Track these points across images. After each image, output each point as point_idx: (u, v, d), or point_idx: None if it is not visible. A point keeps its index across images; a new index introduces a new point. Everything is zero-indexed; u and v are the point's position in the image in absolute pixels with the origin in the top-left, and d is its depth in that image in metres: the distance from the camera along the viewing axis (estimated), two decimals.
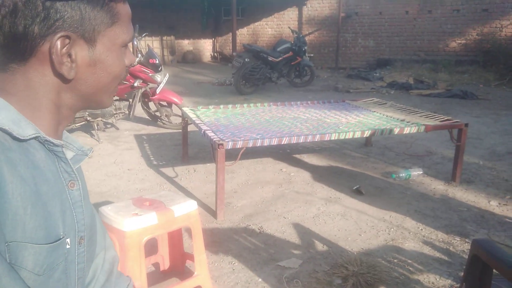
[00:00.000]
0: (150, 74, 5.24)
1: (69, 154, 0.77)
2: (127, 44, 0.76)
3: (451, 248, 2.74)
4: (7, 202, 0.60)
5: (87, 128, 5.42)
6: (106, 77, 0.73)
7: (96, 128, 5.11)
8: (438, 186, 3.82)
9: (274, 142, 3.20)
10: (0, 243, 0.60)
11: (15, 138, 0.64)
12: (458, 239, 2.86)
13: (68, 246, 0.71)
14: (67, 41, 0.66)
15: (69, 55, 0.67)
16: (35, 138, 0.68)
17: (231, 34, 12.64)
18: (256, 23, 14.96)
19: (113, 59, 0.72)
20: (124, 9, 0.72)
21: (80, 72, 0.70)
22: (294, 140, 3.28)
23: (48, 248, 0.66)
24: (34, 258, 0.64)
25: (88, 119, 5.01)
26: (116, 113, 5.24)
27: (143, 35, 5.57)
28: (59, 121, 0.73)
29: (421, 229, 3.01)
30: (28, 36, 0.64)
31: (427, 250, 2.73)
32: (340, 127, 3.65)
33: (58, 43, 0.65)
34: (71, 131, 5.23)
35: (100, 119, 5.11)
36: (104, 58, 0.71)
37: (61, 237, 0.69)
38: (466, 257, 2.61)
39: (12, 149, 0.63)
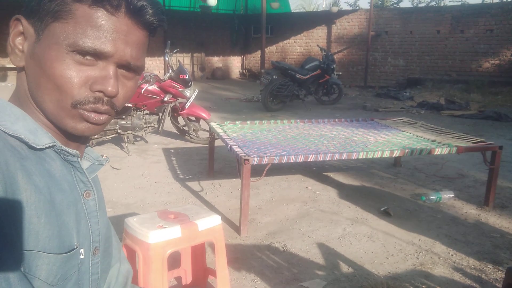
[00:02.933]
0: (180, 89, 5.34)
1: (85, 164, 0.77)
2: (108, 64, 0.66)
3: (483, 276, 2.62)
4: (21, 210, 0.60)
5: (118, 141, 5.54)
6: (44, 79, 0.65)
7: (126, 141, 5.22)
8: (470, 210, 3.68)
9: (300, 159, 3.17)
10: (14, 251, 0.60)
11: (31, 147, 0.65)
12: (491, 267, 2.73)
13: (82, 257, 0.70)
14: (19, 26, 0.66)
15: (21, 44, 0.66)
16: (51, 147, 0.68)
17: (260, 51, 12.78)
18: (285, 41, 15.08)
19: (52, 59, 0.64)
20: (87, 13, 0.63)
21: (27, 64, 0.67)
22: (320, 158, 3.24)
23: (62, 258, 0.65)
24: (48, 268, 0.63)
25: (119, 131, 5.13)
26: (146, 127, 5.34)
27: (174, 51, 5.70)
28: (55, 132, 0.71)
29: (452, 255, 2.89)
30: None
31: (457, 276, 2.61)
32: (368, 146, 3.60)
33: (11, 25, 0.66)
34: (101, 143, 5.37)
35: (130, 132, 5.22)
36: (42, 54, 0.64)
37: (75, 247, 0.68)
38: (499, 286, 2.49)
39: (28, 158, 0.64)
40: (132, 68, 0.70)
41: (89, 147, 0.82)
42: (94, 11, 0.63)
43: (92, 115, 0.67)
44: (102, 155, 0.83)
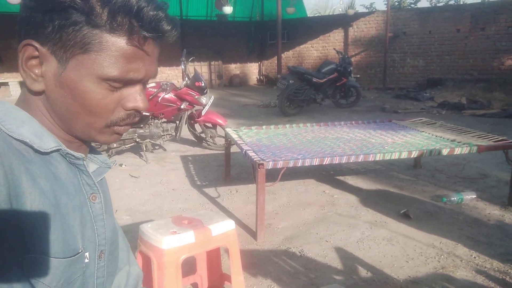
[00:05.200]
0: (196, 97, 5.39)
1: (92, 167, 0.78)
2: (136, 84, 0.68)
3: (507, 278, 2.53)
4: (25, 214, 0.60)
5: (136, 150, 5.62)
6: (75, 106, 0.66)
7: (144, 149, 5.29)
8: (493, 211, 3.57)
9: (316, 162, 3.15)
10: (18, 255, 0.60)
11: (37, 151, 0.65)
12: None
13: (86, 260, 0.70)
14: (32, 50, 0.64)
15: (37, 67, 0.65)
16: (57, 151, 0.68)
17: (276, 57, 12.80)
18: (302, 46, 15.06)
19: (86, 90, 0.64)
20: (118, 44, 0.63)
21: (50, 90, 0.66)
22: (336, 160, 3.21)
23: (66, 262, 0.65)
24: (52, 272, 0.63)
25: (137, 140, 5.20)
26: (164, 135, 5.40)
27: (190, 59, 5.76)
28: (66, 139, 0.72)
29: (474, 257, 2.81)
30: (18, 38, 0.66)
31: (480, 279, 2.53)
32: (386, 147, 3.54)
33: (22, 50, 0.64)
34: (120, 152, 5.45)
35: (148, 140, 5.28)
36: (73, 84, 0.64)
37: (80, 251, 0.68)
38: None
39: (33, 161, 0.64)
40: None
41: (94, 147, 0.82)
42: (118, 39, 0.63)
43: (122, 129, 0.71)
44: (109, 157, 0.83)
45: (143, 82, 0.70)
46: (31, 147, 0.64)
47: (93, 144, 0.80)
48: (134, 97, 0.69)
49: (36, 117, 0.68)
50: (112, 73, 0.64)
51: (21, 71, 0.66)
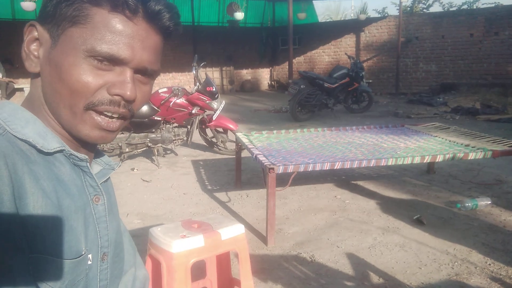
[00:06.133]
0: (207, 102, 5.40)
1: (96, 168, 0.77)
2: (125, 68, 0.66)
3: None
4: (27, 214, 0.60)
5: (148, 154, 5.65)
6: (60, 85, 0.65)
7: (156, 154, 5.31)
8: (509, 218, 3.49)
9: (327, 166, 3.12)
10: (21, 255, 0.60)
11: (40, 151, 0.65)
12: None
13: (89, 262, 0.70)
14: (34, 31, 0.66)
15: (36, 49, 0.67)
16: (60, 151, 0.68)
17: (288, 62, 12.80)
18: (313, 51, 15.04)
19: (70, 64, 0.63)
20: (106, 18, 0.63)
21: (43, 71, 0.67)
22: (347, 165, 3.18)
23: (70, 264, 0.65)
24: (56, 273, 0.63)
25: (149, 145, 5.23)
26: (175, 139, 5.43)
27: (201, 64, 5.79)
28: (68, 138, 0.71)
29: (489, 264, 2.74)
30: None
31: (495, 287, 2.47)
32: (398, 152, 3.50)
33: (26, 31, 0.66)
34: (132, 156, 5.49)
35: (160, 145, 5.31)
36: (59, 60, 0.64)
37: (83, 252, 0.68)
38: None
39: (37, 162, 0.64)
40: (148, 73, 0.69)
41: (102, 152, 0.82)
42: (113, 16, 0.63)
43: (104, 121, 0.67)
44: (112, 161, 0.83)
45: (133, 68, 0.66)
46: (34, 147, 0.64)
47: (99, 147, 0.79)
48: (121, 84, 0.66)
49: (40, 117, 0.68)
50: (95, 47, 0.62)
51: (23, 53, 0.67)
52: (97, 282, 0.73)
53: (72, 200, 0.67)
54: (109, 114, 0.67)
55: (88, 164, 0.71)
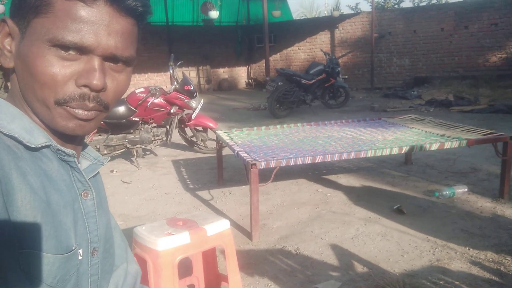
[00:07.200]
0: (186, 100, 5.36)
1: (85, 164, 0.77)
2: (91, 57, 0.63)
3: (502, 268, 2.55)
4: (16, 210, 0.59)
5: (127, 156, 5.57)
6: (30, 78, 0.63)
7: (135, 155, 5.25)
8: (485, 204, 3.60)
9: (308, 160, 3.15)
10: (14, 250, 0.59)
11: (27, 147, 0.64)
12: (510, 259, 2.66)
13: (80, 257, 0.69)
14: (6, 27, 0.66)
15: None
16: (47, 147, 0.67)
17: (264, 60, 12.83)
18: (289, 49, 15.12)
19: (34, 56, 0.62)
20: (66, 5, 0.61)
21: (15, 65, 0.66)
22: (328, 158, 3.22)
23: (61, 259, 0.64)
24: (47, 269, 0.62)
25: (128, 146, 5.16)
26: (154, 140, 5.37)
27: (178, 63, 5.74)
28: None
29: (469, 249, 2.83)
30: None
31: (475, 270, 2.55)
32: (376, 144, 3.56)
33: None
34: (112, 158, 5.40)
35: (139, 146, 5.25)
36: (25, 52, 0.63)
37: (73, 248, 0.67)
38: None
39: (23, 158, 0.63)
40: (119, 60, 0.66)
41: (89, 146, 0.81)
42: (73, 3, 0.61)
43: (80, 111, 0.65)
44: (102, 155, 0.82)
45: (100, 55, 0.64)
46: (21, 142, 0.63)
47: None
48: (88, 72, 0.63)
49: (23, 111, 0.67)
50: (57, 36, 0.61)
51: None
52: (88, 277, 0.72)
53: (61, 195, 0.66)
54: (86, 108, 0.65)
55: (75, 159, 0.70)
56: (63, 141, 0.70)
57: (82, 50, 0.62)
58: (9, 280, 0.59)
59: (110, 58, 0.66)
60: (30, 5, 0.62)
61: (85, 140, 0.79)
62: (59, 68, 0.62)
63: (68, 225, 0.67)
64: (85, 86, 0.63)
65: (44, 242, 0.62)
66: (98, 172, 0.81)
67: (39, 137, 0.65)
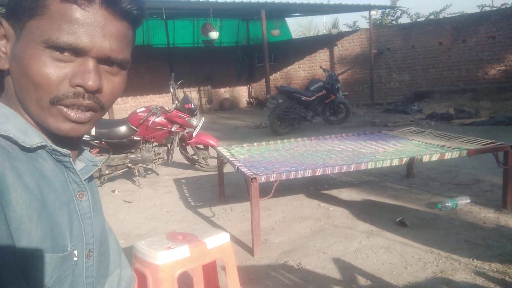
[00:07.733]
0: (187, 119, 5.40)
1: (80, 165, 0.77)
2: (86, 59, 0.64)
3: (507, 278, 2.52)
4: (11, 210, 0.59)
5: (129, 175, 5.58)
6: (25, 80, 0.64)
7: (137, 174, 5.25)
8: (488, 214, 3.58)
9: (308, 173, 3.15)
10: (7, 250, 0.59)
11: (22, 147, 0.64)
12: None
13: (75, 258, 0.69)
14: (1, 28, 0.66)
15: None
16: (42, 147, 0.67)
17: (265, 79, 12.94)
18: (289, 67, 15.26)
19: (29, 57, 0.63)
20: (62, 7, 0.62)
21: (10, 67, 0.66)
22: (328, 171, 3.22)
23: (57, 259, 0.64)
24: (43, 269, 0.62)
25: (129, 165, 5.17)
26: (156, 159, 5.38)
27: (179, 82, 5.80)
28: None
29: (473, 260, 2.79)
30: None
31: (480, 281, 2.52)
32: (377, 156, 3.56)
33: None
34: (113, 178, 5.41)
35: (140, 165, 5.26)
36: (21, 53, 0.64)
37: (69, 248, 0.67)
38: None
39: (18, 158, 0.63)
40: (114, 62, 0.67)
41: (84, 149, 0.81)
42: (68, 5, 0.62)
43: (73, 113, 0.66)
44: (96, 157, 0.82)
45: (94, 57, 0.64)
46: (16, 142, 0.64)
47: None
48: (82, 74, 0.64)
49: (18, 113, 0.68)
50: (52, 37, 0.61)
51: None
52: (84, 279, 0.72)
53: (56, 195, 0.66)
54: (76, 106, 0.66)
55: (71, 159, 0.70)
56: (58, 143, 0.71)
57: (77, 51, 0.63)
58: (4, 280, 0.59)
59: (105, 60, 0.66)
60: (25, 7, 0.63)
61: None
62: (53, 69, 0.63)
63: (64, 226, 0.67)
64: (79, 86, 0.64)
65: (40, 241, 0.62)
66: (92, 176, 0.81)
67: (34, 137, 0.66)
